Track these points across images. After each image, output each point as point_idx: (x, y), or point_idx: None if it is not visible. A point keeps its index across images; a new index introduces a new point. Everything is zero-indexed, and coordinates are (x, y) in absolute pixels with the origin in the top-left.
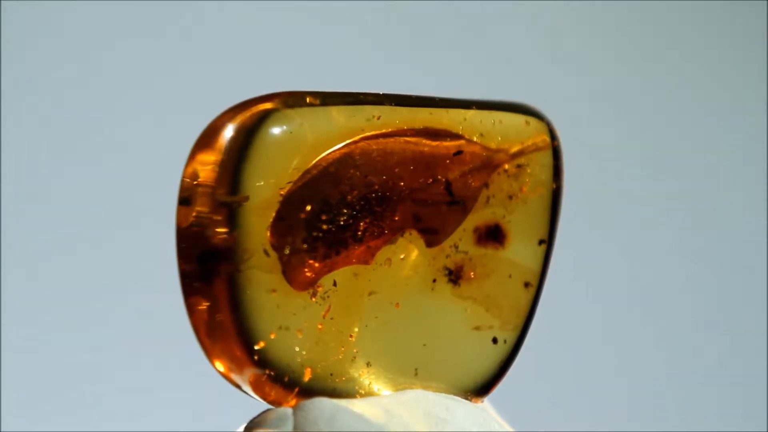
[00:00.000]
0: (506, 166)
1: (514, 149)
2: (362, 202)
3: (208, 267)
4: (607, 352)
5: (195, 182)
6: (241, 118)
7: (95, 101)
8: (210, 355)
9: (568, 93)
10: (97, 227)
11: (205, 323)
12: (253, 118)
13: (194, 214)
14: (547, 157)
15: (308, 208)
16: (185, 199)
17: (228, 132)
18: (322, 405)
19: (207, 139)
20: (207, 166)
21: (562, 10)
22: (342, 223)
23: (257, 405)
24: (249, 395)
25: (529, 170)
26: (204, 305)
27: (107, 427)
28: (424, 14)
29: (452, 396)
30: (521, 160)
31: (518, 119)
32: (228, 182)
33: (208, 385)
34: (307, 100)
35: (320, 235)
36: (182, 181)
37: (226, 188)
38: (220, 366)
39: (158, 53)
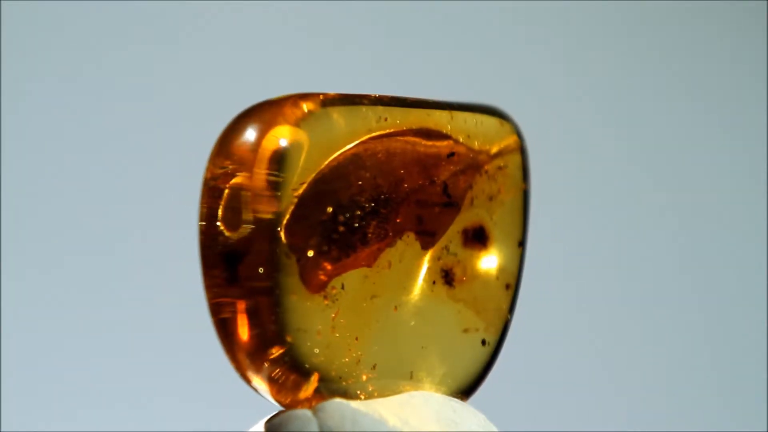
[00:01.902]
0: (487, 168)
1: (494, 150)
2: (372, 204)
3: (239, 270)
4: (598, 353)
5: (231, 190)
6: (270, 123)
7: (95, 103)
8: (230, 353)
9: (536, 92)
10: (99, 231)
11: (231, 323)
12: (280, 122)
13: (235, 220)
14: (518, 158)
15: (329, 209)
16: (223, 207)
17: (253, 137)
18: (342, 407)
19: (235, 146)
20: (241, 173)
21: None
22: (356, 225)
23: (256, 407)
24: (261, 395)
25: (507, 171)
26: (235, 305)
27: (111, 428)
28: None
29: (452, 398)
30: (500, 162)
31: (493, 120)
32: (273, 189)
33: (209, 389)
34: (321, 100)
35: (337, 237)
36: (212, 188)
37: (270, 194)
38: (237, 364)
39: (159, 54)
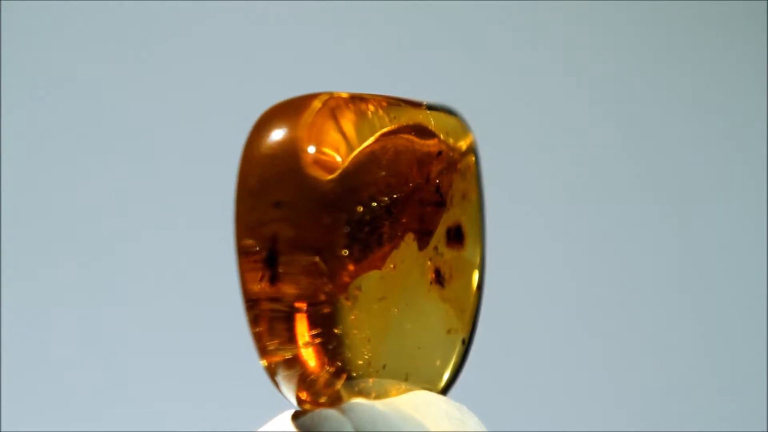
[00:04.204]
0: (459, 166)
1: (464, 148)
2: (387, 203)
3: (277, 270)
4: (593, 353)
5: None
6: (298, 125)
7: (101, 104)
8: (262, 350)
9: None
10: (109, 233)
11: (268, 321)
12: (305, 123)
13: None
14: (474, 157)
15: (359, 209)
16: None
17: (281, 140)
18: (370, 407)
19: (267, 149)
20: (277, 176)
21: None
22: (377, 225)
23: (256, 407)
24: (282, 393)
25: (472, 170)
26: (272, 305)
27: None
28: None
29: (449, 399)
30: (467, 160)
31: (455, 119)
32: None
33: (211, 390)
34: (340, 99)
35: (363, 237)
36: (249, 193)
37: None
38: (268, 361)
39: (164, 55)
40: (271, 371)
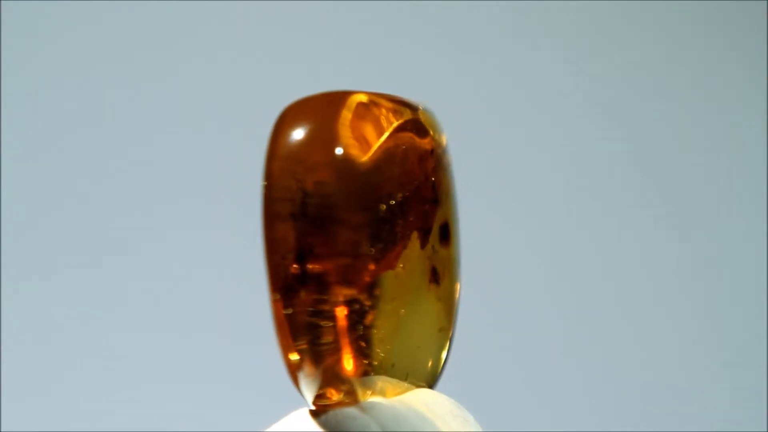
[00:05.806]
0: (444, 162)
1: (444, 144)
2: (401, 201)
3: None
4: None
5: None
6: (322, 124)
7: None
8: (287, 347)
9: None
10: (120, 233)
11: (296, 319)
12: (329, 121)
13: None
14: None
15: (383, 207)
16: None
17: (306, 137)
18: (390, 406)
19: (291, 147)
20: (303, 171)
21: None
22: (395, 224)
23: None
24: (300, 391)
25: (450, 167)
26: (300, 303)
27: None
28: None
29: (448, 397)
30: (447, 158)
31: (432, 116)
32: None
33: (212, 393)
34: (363, 97)
35: (384, 235)
36: (278, 189)
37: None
38: (296, 356)
39: (163, 56)
40: (296, 367)
